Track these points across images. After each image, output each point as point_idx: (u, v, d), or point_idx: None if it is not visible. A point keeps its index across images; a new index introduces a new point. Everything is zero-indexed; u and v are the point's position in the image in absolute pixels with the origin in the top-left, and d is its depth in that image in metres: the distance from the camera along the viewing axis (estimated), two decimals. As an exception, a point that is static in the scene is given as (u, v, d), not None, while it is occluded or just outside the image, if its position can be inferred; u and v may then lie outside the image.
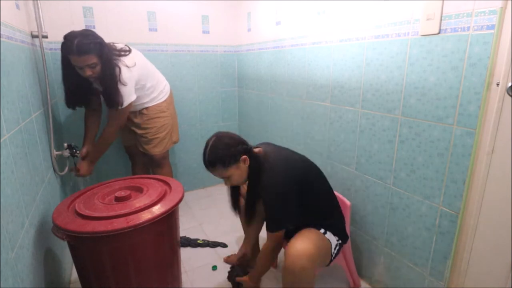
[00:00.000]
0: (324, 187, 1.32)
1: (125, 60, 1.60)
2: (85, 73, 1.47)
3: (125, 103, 1.61)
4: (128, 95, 1.62)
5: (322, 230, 1.24)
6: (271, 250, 1.26)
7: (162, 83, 1.90)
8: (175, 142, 2.04)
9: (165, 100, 1.89)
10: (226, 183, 1.26)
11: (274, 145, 1.34)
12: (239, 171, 1.20)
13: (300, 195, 1.19)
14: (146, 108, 1.82)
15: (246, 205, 1.39)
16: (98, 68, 1.49)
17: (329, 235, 1.25)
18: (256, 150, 1.26)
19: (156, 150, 1.90)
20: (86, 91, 1.66)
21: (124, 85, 1.57)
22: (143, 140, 1.88)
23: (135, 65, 1.63)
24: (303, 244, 1.12)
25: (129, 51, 1.66)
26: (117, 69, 1.55)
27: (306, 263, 1.08)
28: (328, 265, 1.27)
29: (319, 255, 1.15)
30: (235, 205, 1.47)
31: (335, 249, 1.25)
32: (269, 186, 1.17)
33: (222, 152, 1.15)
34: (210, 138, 1.20)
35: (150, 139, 1.87)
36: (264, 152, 1.26)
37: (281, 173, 1.17)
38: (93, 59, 1.45)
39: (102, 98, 1.66)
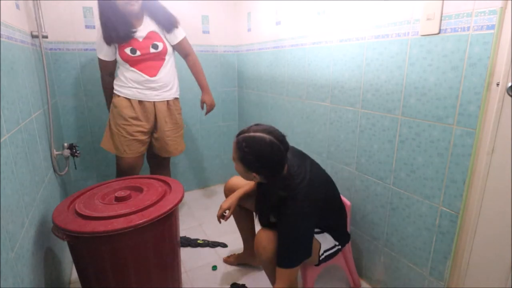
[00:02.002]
0: (337, 203, 1.26)
1: None
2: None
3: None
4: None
5: (318, 230, 1.25)
6: None
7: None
8: None
9: (179, 98, 1.88)
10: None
11: (298, 155, 1.23)
12: (246, 174, 1.11)
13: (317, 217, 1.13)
14: (173, 101, 1.80)
15: (259, 217, 1.29)
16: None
17: (325, 235, 1.25)
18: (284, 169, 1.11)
19: (179, 148, 1.87)
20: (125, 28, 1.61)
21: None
22: (170, 140, 1.80)
23: None
24: (270, 232, 1.15)
25: None
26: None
27: (268, 245, 1.12)
28: (317, 264, 1.26)
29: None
30: (264, 220, 1.27)
31: (326, 250, 1.24)
32: (290, 217, 1.05)
33: (249, 156, 1.04)
34: (262, 130, 1.05)
35: (175, 137, 1.83)
36: (288, 168, 1.12)
37: (305, 205, 1.06)
38: None
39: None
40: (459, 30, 0.99)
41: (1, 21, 0.96)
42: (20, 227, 0.90)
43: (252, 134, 1.05)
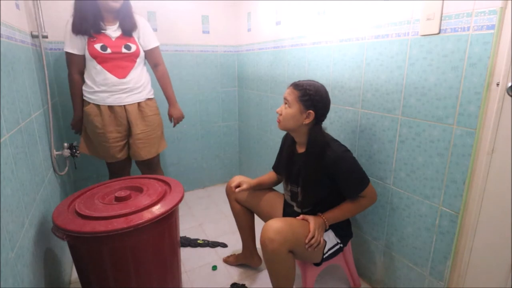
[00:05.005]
0: None
1: None
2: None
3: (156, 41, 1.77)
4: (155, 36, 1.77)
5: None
6: (365, 206, 1.25)
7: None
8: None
9: (154, 98, 1.82)
10: (279, 111, 1.26)
11: None
12: (298, 116, 1.20)
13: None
14: (146, 102, 1.73)
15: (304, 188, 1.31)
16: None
17: (329, 233, 1.25)
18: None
19: (152, 151, 1.78)
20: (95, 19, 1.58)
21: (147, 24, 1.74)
22: (142, 142, 1.71)
23: None
24: (279, 223, 1.13)
25: None
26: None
27: (276, 237, 1.10)
28: (319, 264, 1.26)
29: (294, 242, 1.14)
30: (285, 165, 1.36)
31: (330, 249, 1.24)
32: (344, 153, 1.20)
33: (311, 92, 1.18)
34: (318, 83, 1.23)
35: (149, 139, 1.75)
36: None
37: (345, 147, 1.24)
38: None
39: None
40: (459, 30, 0.99)
41: (1, 21, 0.96)
42: (20, 227, 0.90)
43: (307, 80, 1.25)
